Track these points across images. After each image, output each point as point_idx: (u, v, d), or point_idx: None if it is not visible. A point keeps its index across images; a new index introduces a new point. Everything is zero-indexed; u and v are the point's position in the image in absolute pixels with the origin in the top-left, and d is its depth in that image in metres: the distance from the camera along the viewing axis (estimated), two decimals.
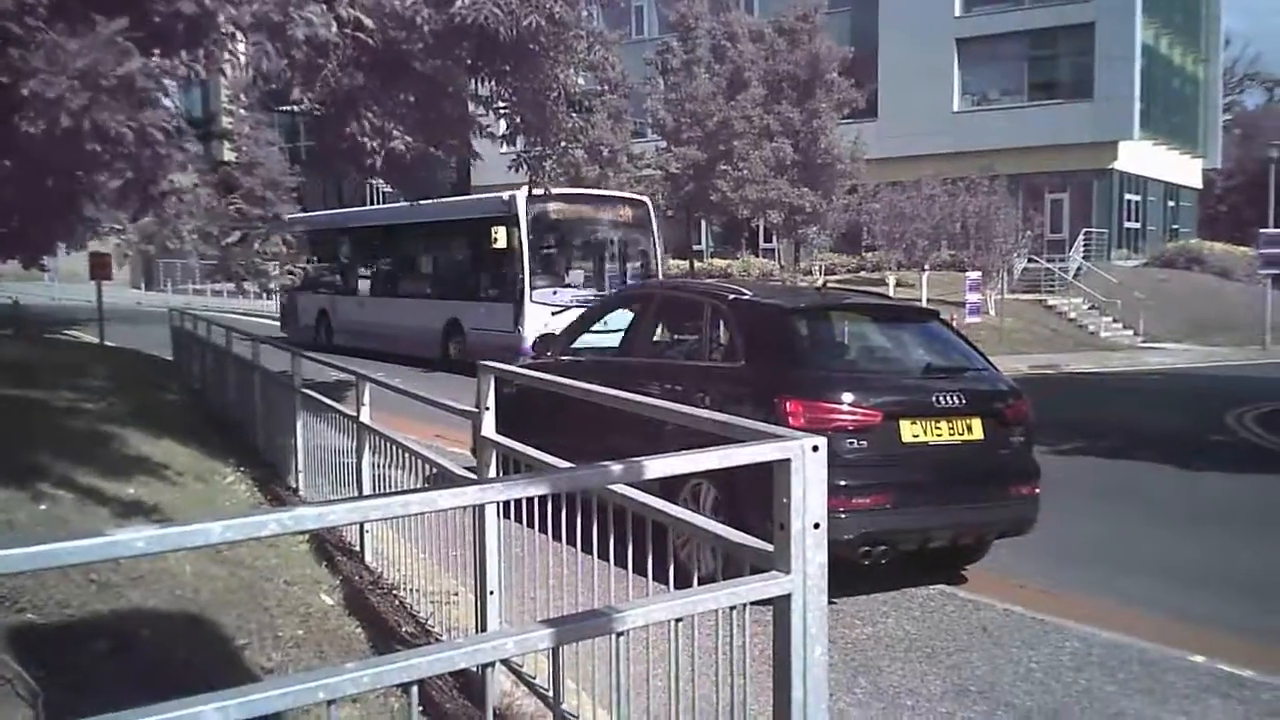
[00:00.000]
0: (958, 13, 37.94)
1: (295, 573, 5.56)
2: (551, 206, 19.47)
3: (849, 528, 5.90)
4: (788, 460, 2.26)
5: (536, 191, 14.84)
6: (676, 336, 8.35)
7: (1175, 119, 42.22)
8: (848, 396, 6.34)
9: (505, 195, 19.64)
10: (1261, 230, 31.17)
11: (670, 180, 30.40)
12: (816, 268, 36.02)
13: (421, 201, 18.18)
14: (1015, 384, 7.27)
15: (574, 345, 8.69)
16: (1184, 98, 43.67)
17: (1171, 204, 43.76)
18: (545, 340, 9.74)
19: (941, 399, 6.53)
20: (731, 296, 7.42)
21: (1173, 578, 7.18)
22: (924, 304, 25.66)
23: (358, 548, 6.31)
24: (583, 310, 9.94)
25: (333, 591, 5.43)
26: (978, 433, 6.62)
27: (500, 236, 19.30)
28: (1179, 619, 6.18)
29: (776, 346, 6.96)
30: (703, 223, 38.95)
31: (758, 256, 38.31)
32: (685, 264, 35.15)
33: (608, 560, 3.20)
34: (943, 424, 6.50)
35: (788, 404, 6.23)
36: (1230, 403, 16.69)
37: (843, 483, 5.85)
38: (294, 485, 8.06)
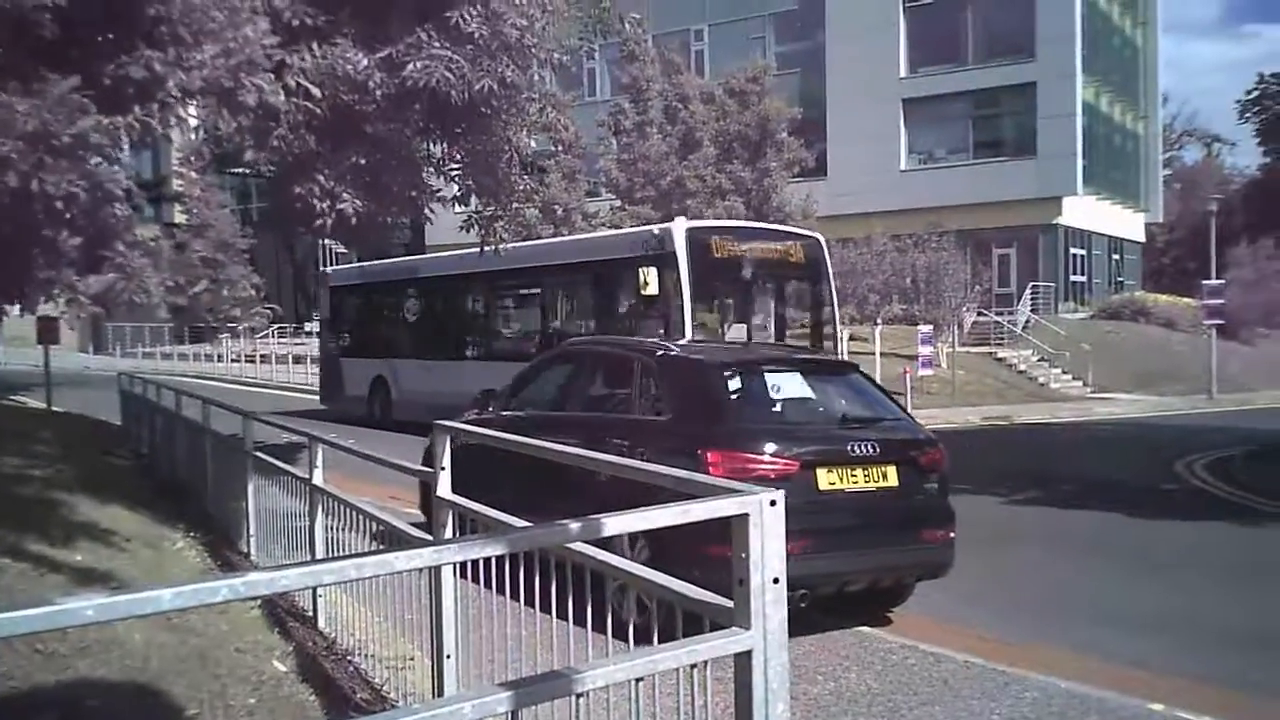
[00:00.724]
0: (903, 74, 38.83)
1: (247, 639, 5.44)
2: (715, 241, 16.21)
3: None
4: (746, 515, 2.26)
5: (701, 224, 13.83)
6: (609, 391, 8.46)
7: (1117, 174, 43.33)
8: (767, 447, 6.66)
9: (656, 230, 16.61)
10: (1204, 282, 31.92)
11: None
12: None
13: (529, 242, 16.93)
14: (930, 433, 7.57)
15: (515, 400, 8.94)
16: (1125, 154, 44.88)
17: (1116, 257, 44.75)
18: (486, 395, 9.39)
19: (857, 448, 6.82)
20: (659, 353, 7.97)
21: (1128, 625, 7.22)
22: (877, 358, 25.95)
23: (311, 613, 6.19)
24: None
25: (285, 658, 5.31)
26: (893, 480, 6.88)
27: (650, 280, 15.33)
28: (1136, 667, 6.20)
29: (700, 401, 7.32)
30: None
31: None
32: None
33: (568, 619, 3.17)
34: (859, 472, 6.78)
35: (709, 455, 6.51)
36: (1179, 451, 16.95)
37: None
38: (246, 550, 7.92)
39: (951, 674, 5.79)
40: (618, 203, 31.13)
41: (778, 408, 7.51)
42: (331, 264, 38.89)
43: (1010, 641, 6.71)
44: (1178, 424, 23.54)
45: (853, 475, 6.76)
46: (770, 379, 7.73)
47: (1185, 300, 40.57)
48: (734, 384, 7.45)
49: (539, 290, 19.25)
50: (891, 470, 6.89)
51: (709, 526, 2.30)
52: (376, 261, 24.72)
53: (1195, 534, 10.67)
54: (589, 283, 17.97)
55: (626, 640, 2.66)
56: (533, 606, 3.43)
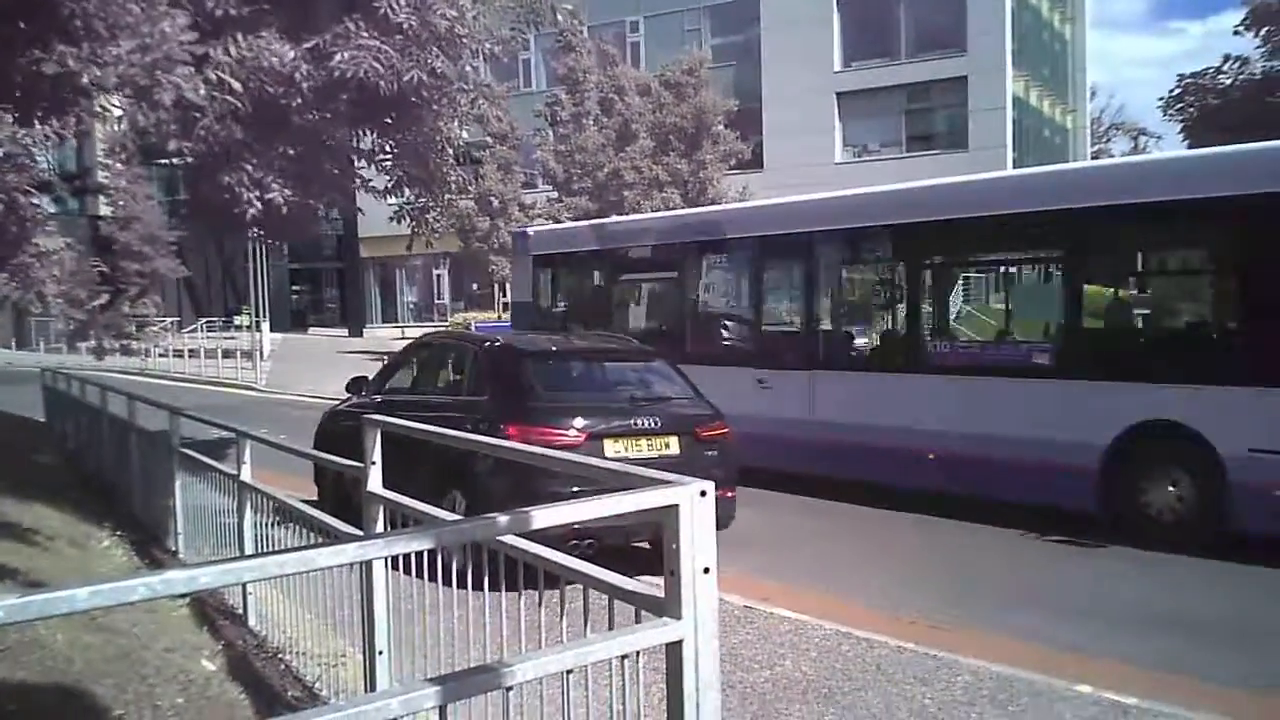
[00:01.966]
0: (837, 67, 39.15)
1: (175, 638, 5.33)
2: None
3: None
4: (676, 506, 2.25)
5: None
6: (452, 377, 9.64)
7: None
8: (557, 421, 7.90)
9: None
10: None
11: None
12: None
13: (1094, 162, 12.62)
14: (716, 409, 8.80)
15: (383, 386, 10.20)
16: (1054, 146, 45.71)
17: None
18: (358, 381, 10.50)
19: (641, 422, 8.20)
20: (486, 343, 9.41)
21: (1059, 608, 7.36)
22: None
23: (241, 610, 6.09)
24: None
25: (214, 657, 5.22)
26: (674, 449, 8.22)
27: None
28: (1065, 649, 6.33)
29: (508, 382, 8.62)
30: None
31: None
32: None
33: (502, 612, 3.14)
34: (642, 442, 8.11)
35: (509, 429, 7.64)
36: None
37: (553, 490, 6.24)
38: (174, 548, 7.77)
39: (885, 659, 5.87)
40: (554, 194, 31.04)
41: (576, 389, 9.00)
42: (263, 257, 38.30)
43: (943, 626, 6.81)
44: None
45: (637, 444, 8.06)
46: (580, 365, 9.45)
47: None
48: (538, 369, 8.93)
49: (1110, 244, 10.15)
50: (673, 440, 8.24)
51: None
52: (647, 216, 16.70)
53: None
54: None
55: (561, 633, 2.65)
56: (467, 601, 3.41)
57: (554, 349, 9.63)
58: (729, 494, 7.99)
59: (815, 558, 9.00)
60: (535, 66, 42.13)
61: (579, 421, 7.95)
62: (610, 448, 7.81)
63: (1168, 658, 6.22)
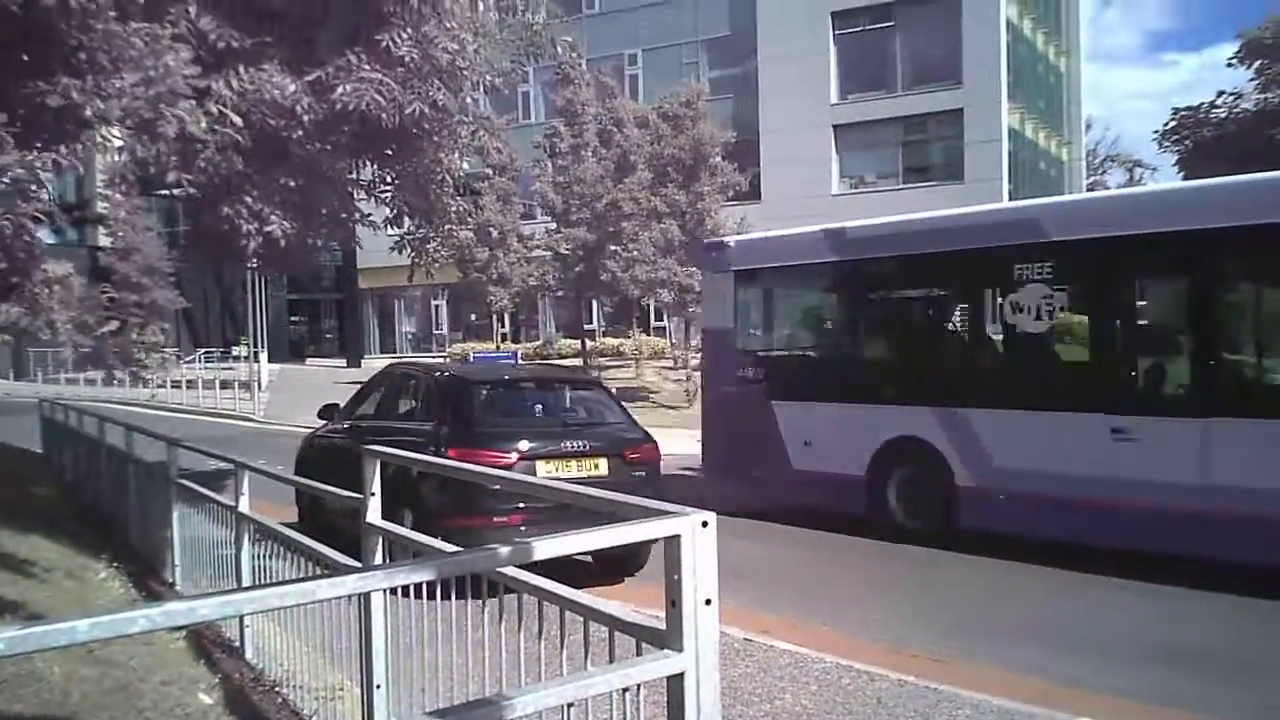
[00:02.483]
0: (834, 100, 39.42)
1: (171, 671, 5.29)
2: None
3: (488, 541, 6.63)
4: (678, 537, 2.25)
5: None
6: (410, 404, 10.19)
7: (1042, 199, 44.33)
8: (494, 445, 8.60)
9: None
10: None
11: (560, 261, 30.65)
12: None
13: None
14: (646, 433, 9.56)
15: (355, 414, 10.72)
16: (1050, 179, 45.94)
17: None
18: (330, 409, 11.14)
19: (570, 445, 8.90)
20: (437, 373, 10.27)
21: (1060, 642, 7.32)
22: None
23: (238, 643, 6.05)
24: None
25: (211, 690, 5.18)
26: (604, 469, 8.85)
27: None
28: (1066, 684, 6.29)
29: (453, 410, 9.26)
30: (594, 303, 39.23)
31: (649, 335, 38.70)
32: (577, 343, 35.29)
33: (501, 644, 3.13)
34: (572, 463, 8.78)
35: (450, 452, 8.16)
36: None
37: (488, 507, 7.80)
38: (171, 580, 7.73)
39: (886, 692, 5.83)
40: (553, 225, 31.13)
41: (514, 415, 9.71)
42: (263, 289, 38.36)
43: (943, 660, 6.77)
44: None
45: (567, 465, 8.72)
46: (523, 393, 10.15)
47: None
48: (480, 397, 9.59)
49: None
50: (602, 461, 8.92)
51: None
52: (917, 217, 11.71)
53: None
54: None
55: (561, 665, 2.64)
56: (466, 633, 3.39)
57: (497, 378, 10.33)
58: None
59: (814, 590, 8.96)
60: (534, 98, 42.42)
61: (514, 445, 8.67)
62: (542, 468, 8.49)
63: (1166, 691, 6.18)
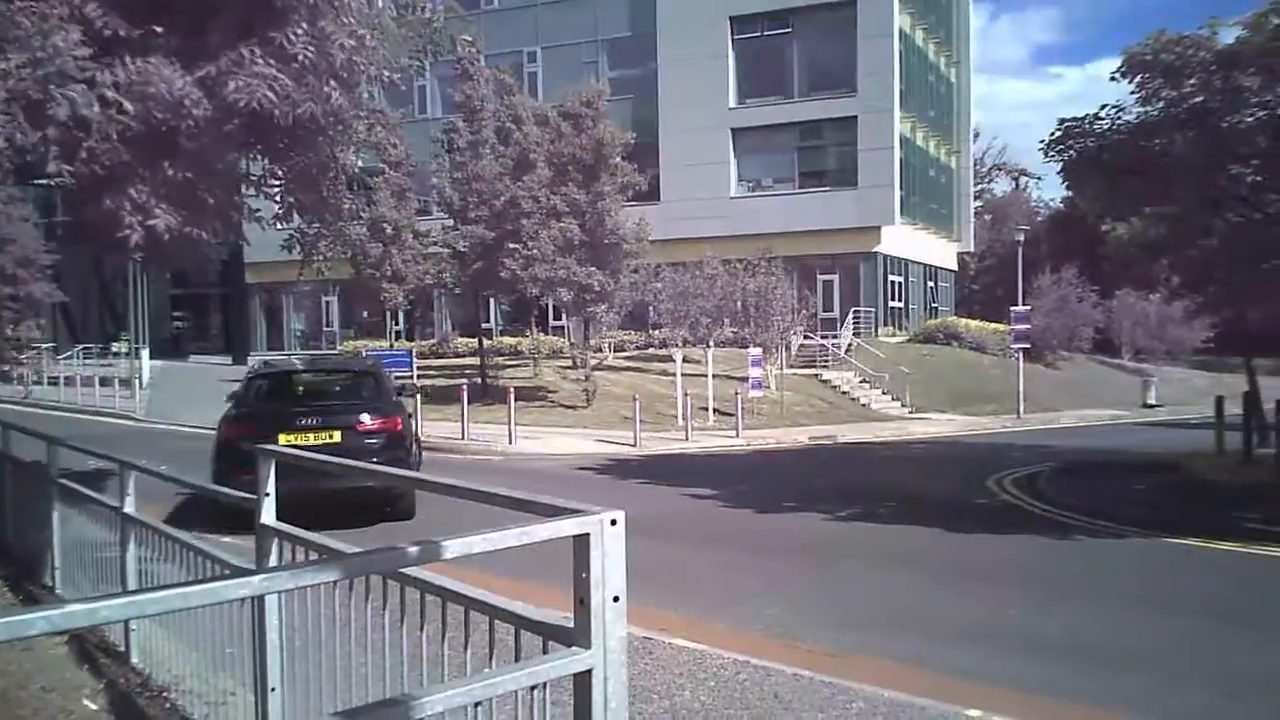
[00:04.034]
0: (732, 104, 39.88)
1: (52, 677, 5.09)
2: None
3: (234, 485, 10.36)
4: (587, 535, 2.25)
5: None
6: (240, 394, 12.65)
7: (932, 205, 45.60)
8: (241, 422, 11.57)
9: None
10: (1012, 308, 33.82)
11: (458, 258, 30.30)
12: (606, 345, 36.54)
13: None
14: (391, 410, 12.06)
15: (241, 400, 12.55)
16: (939, 186, 47.25)
17: (931, 284, 46.99)
18: (233, 395, 12.94)
19: (309, 420, 11.50)
20: (251, 368, 13.71)
21: (948, 635, 7.54)
22: (710, 379, 26.50)
23: (123, 648, 5.84)
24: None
25: (96, 696, 5.00)
26: (338, 439, 11.36)
27: None
28: (954, 675, 6.48)
29: (238, 396, 12.37)
30: (491, 301, 38.95)
31: (548, 334, 38.58)
32: (473, 341, 34.97)
33: (404, 645, 3.08)
34: (309, 435, 11.30)
35: (223, 430, 11.62)
36: (991, 468, 17.87)
37: (238, 468, 8.93)
38: (50, 583, 7.42)
39: (782, 687, 5.92)
40: (450, 221, 30.78)
41: (278, 399, 12.47)
42: (145, 283, 37.06)
43: (838, 654, 6.91)
44: (989, 442, 24.81)
45: (304, 437, 11.22)
46: (298, 380, 13.39)
47: (995, 325, 42.92)
48: (255, 384, 12.63)
49: None
50: (337, 433, 11.44)
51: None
52: None
53: (1007, 547, 11.24)
54: None
55: (465, 665, 2.62)
56: (366, 633, 3.33)
57: (280, 370, 13.63)
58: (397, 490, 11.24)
59: (714, 588, 9.06)
60: (431, 93, 41.93)
61: (259, 421, 11.47)
62: (283, 439, 10.89)
63: (1055, 682, 6.41)
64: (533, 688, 2.29)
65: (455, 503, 2.99)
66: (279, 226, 9.95)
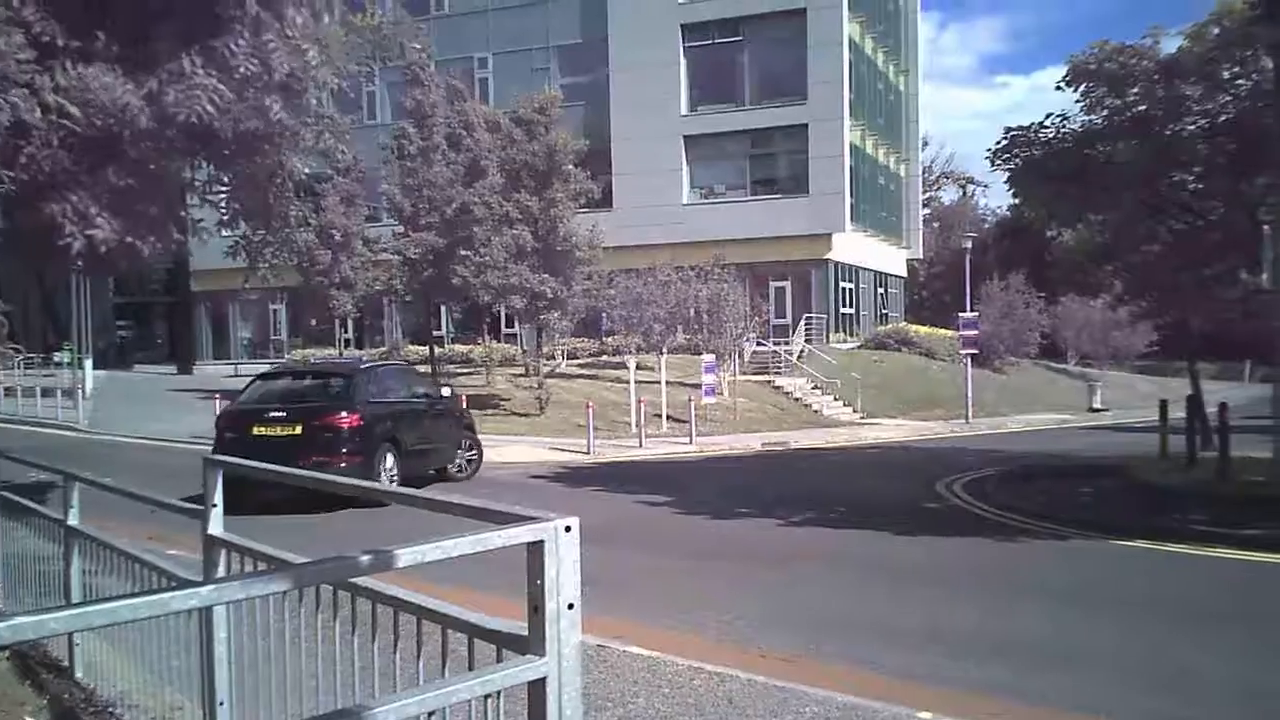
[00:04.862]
0: (684, 111, 40.04)
1: None
2: None
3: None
4: (541, 542, 2.24)
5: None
6: None
7: (882, 213, 46.08)
8: (229, 415, 14.70)
9: None
10: (960, 314, 34.25)
11: (408, 265, 30.05)
12: (559, 352, 36.47)
13: None
14: (345, 410, 13.90)
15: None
16: (889, 193, 47.75)
17: (881, 291, 47.47)
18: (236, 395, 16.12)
19: (273, 414, 13.87)
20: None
21: (899, 639, 7.60)
22: (663, 386, 26.56)
23: (66, 663, 5.72)
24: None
25: (39, 712, 4.89)
26: (299, 430, 13.62)
27: None
28: (906, 678, 6.53)
29: (238, 394, 15.61)
30: (443, 308, 38.73)
31: (500, 342, 38.43)
32: (425, 349, 34.73)
33: (354, 655, 3.04)
34: (276, 428, 13.70)
35: (219, 424, 14.64)
36: (940, 472, 18.05)
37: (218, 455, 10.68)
38: None
39: (736, 692, 5.93)
40: (400, 228, 30.55)
41: (259, 398, 14.64)
42: (88, 292, 36.39)
43: (791, 658, 6.94)
44: (938, 447, 25.08)
45: (272, 429, 13.68)
46: (286, 380, 15.96)
47: (944, 331, 43.44)
48: (258, 384, 15.21)
49: None
50: (299, 426, 13.65)
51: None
52: None
53: (958, 550, 11.35)
54: None
55: (419, 675, 2.59)
56: (317, 644, 3.28)
57: (272, 372, 16.62)
58: (351, 460, 13.60)
59: (668, 595, 9.05)
60: (381, 99, 41.65)
61: (239, 416, 14.20)
62: (255, 430, 13.65)
63: (1004, 684, 6.48)
64: (486, 697, 2.27)
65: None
66: (223, 234, 9.82)
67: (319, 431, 13.51)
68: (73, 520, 5.73)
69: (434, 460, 16.57)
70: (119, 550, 5.13)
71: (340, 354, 37.19)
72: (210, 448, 14.02)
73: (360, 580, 2.85)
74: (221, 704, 3.82)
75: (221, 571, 3.95)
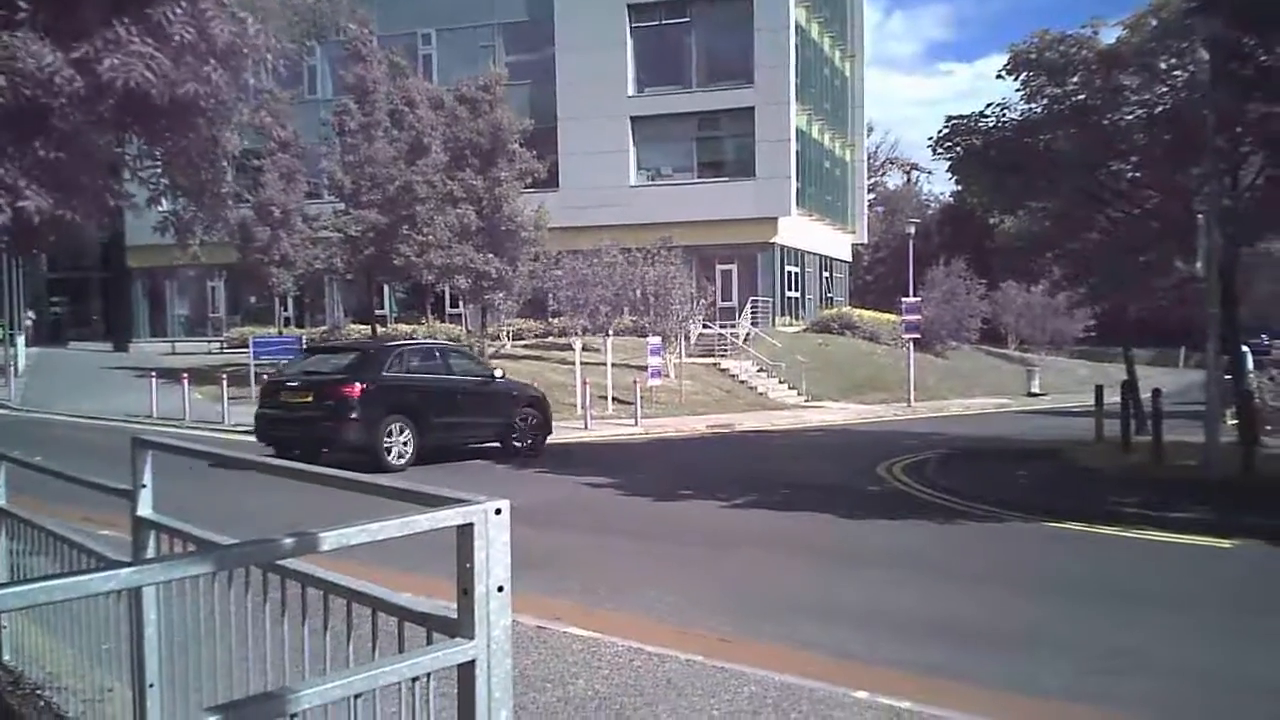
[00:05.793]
0: (630, 92, 39.92)
1: None
2: None
3: (259, 432, 16.18)
4: (471, 525, 2.23)
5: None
6: None
7: (827, 197, 46.37)
8: (265, 383, 17.74)
9: None
10: (903, 299, 34.65)
11: (350, 243, 29.68)
12: (505, 332, 36.29)
13: None
14: (348, 380, 15.48)
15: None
16: (834, 178, 48.05)
17: (826, 275, 47.83)
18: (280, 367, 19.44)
19: (293, 383, 16.16)
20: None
21: (838, 620, 7.69)
22: (609, 368, 26.56)
23: None
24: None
25: None
26: (310, 398, 15.60)
27: None
28: (843, 658, 6.61)
29: (279, 367, 19.62)
30: (385, 287, 38.34)
31: (444, 322, 38.15)
32: (367, 328, 34.37)
33: (284, 638, 3.01)
34: (297, 395, 15.80)
35: (261, 390, 17.71)
36: (882, 455, 18.29)
37: (266, 423, 16.11)
38: None
39: (675, 673, 5.97)
40: (341, 205, 30.16)
41: (296, 369, 17.34)
42: (19, 268, 35.46)
43: (731, 639, 6.99)
44: (880, 430, 25.38)
45: (294, 396, 15.84)
46: (309, 355, 18.99)
47: (887, 315, 43.92)
48: (296, 361, 18.56)
49: None
50: (311, 395, 15.63)
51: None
52: None
53: (897, 532, 11.51)
54: None
55: (349, 656, 2.57)
56: (247, 627, 3.25)
57: (313, 347, 20.47)
58: (344, 429, 15.31)
59: (609, 576, 9.07)
60: (321, 73, 40.96)
61: (274, 385, 16.75)
62: (284, 396, 16.00)
63: (940, 664, 6.59)
64: (414, 680, 2.26)
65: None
66: (155, 209, 9.62)
67: (326, 399, 15.33)
68: (0, 501, 5.59)
69: (472, 435, 17.70)
70: (48, 531, 5.02)
71: (279, 332, 36.65)
72: (141, 427, 15.06)
73: (294, 564, 2.81)
74: (151, 686, 3.76)
75: (151, 553, 3.89)
